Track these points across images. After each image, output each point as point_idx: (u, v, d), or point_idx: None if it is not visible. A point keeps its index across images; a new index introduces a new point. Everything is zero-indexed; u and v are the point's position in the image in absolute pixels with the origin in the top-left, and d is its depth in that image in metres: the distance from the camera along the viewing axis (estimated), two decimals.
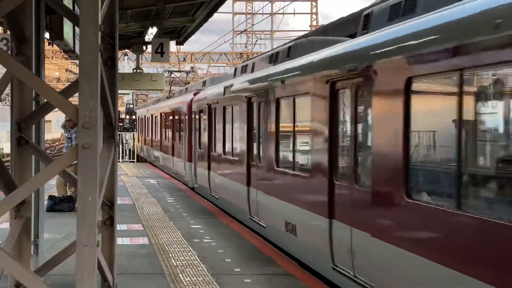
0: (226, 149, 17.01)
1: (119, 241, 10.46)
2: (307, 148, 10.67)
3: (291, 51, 12.94)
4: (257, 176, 13.68)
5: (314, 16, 69.45)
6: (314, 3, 69.35)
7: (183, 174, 24.53)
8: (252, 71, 15.51)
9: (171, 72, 40.31)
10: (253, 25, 64.27)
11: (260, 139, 13.52)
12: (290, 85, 11.56)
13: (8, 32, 9.25)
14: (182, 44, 20.89)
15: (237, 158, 15.51)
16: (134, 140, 42.73)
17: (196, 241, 12.73)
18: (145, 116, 41.29)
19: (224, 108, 17.14)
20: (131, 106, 53.04)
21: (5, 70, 5.79)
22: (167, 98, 37.52)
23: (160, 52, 17.61)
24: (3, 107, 53.27)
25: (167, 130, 30.52)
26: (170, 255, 11.36)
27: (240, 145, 15.30)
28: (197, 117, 21.82)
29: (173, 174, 27.61)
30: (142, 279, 9.80)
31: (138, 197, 20.02)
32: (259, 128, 13.56)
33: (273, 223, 12.41)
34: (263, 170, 13.14)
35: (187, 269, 10.29)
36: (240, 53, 58.51)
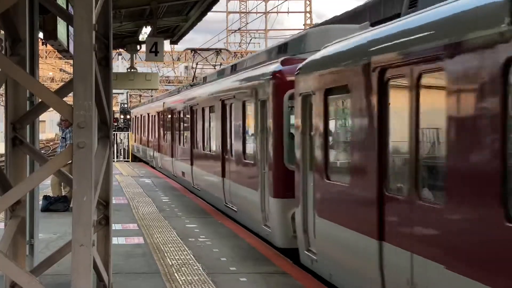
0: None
1: (114, 240, 10.44)
2: None
3: None
4: None
5: (308, 15, 69.52)
6: (308, 2, 69.38)
7: (258, 217, 13.11)
8: None
9: (195, 50, 30.76)
10: (247, 24, 64.27)
11: None
12: None
13: (2, 32, 9.23)
14: (176, 43, 20.84)
15: None
16: (128, 140, 42.31)
17: (191, 240, 12.74)
18: (158, 113, 31.40)
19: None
20: (126, 105, 53.09)
21: None
22: (191, 86, 26.92)
23: (154, 51, 17.59)
24: None
25: (205, 131, 19.65)
26: (166, 254, 11.37)
27: None
28: (311, 107, 9.93)
29: (224, 207, 16.36)
30: (137, 278, 9.81)
31: (133, 197, 20.01)
32: None
33: None
34: None
35: (182, 268, 10.30)
36: (234, 52, 58.49)
